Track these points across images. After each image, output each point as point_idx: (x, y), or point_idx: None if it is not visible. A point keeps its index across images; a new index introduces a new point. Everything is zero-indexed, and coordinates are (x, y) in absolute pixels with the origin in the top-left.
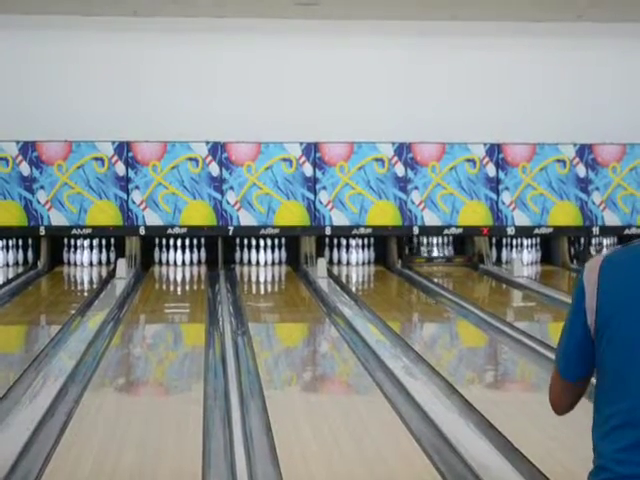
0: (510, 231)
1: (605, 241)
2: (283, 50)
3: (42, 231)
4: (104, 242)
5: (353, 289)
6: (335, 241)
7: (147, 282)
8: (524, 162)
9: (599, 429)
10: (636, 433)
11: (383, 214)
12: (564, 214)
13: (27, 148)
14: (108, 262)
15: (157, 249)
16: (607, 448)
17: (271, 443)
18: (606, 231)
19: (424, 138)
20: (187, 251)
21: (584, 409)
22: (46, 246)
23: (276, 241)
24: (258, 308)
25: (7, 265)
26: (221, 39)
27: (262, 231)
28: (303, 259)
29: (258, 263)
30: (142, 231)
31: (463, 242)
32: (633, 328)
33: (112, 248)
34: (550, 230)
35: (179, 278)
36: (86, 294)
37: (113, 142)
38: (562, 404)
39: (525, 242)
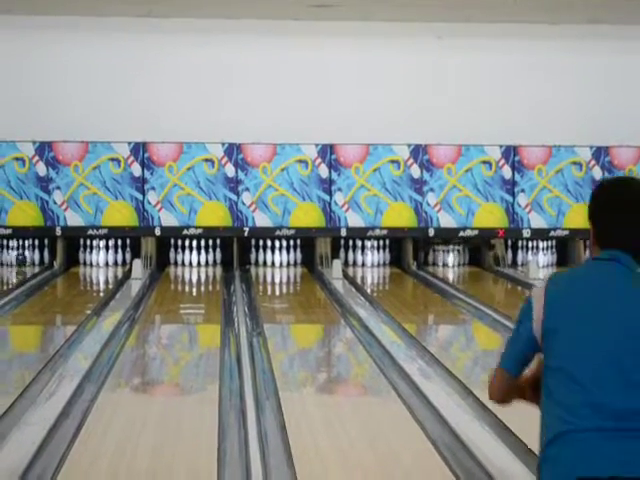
0: (526, 233)
1: None
2: (298, 52)
3: (58, 231)
4: (120, 243)
5: (368, 290)
6: (350, 242)
7: (162, 283)
8: (540, 164)
9: (550, 404)
10: (581, 397)
11: (398, 216)
12: (580, 217)
13: (44, 148)
14: (124, 263)
15: (173, 250)
16: (561, 410)
17: (286, 443)
18: None
19: (440, 140)
20: (202, 252)
21: None
22: (62, 246)
23: (291, 242)
24: (273, 309)
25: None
26: (236, 41)
27: (277, 232)
28: (318, 260)
29: (273, 264)
30: (158, 232)
31: (478, 244)
32: (573, 330)
33: (128, 249)
34: (566, 232)
35: (194, 279)
36: (102, 294)
37: (129, 143)
38: (502, 395)
39: (541, 244)
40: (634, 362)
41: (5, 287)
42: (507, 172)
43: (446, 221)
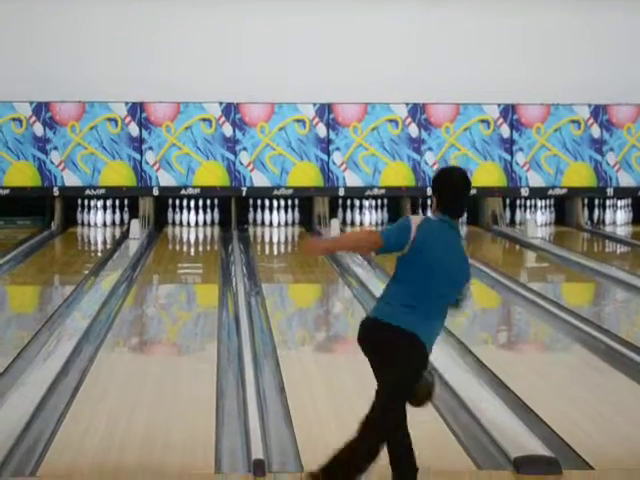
0: (524, 192)
1: (619, 202)
2: (297, 12)
3: (55, 192)
4: (117, 203)
5: None
6: (348, 202)
7: (160, 242)
8: (538, 123)
9: (398, 287)
10: (415, 295)
11: (396, 175)
12: (578, 175)
13: (41, 108)
14: (122, 223)
15: (170, 210)
16: (399, 294)
17: (284, 402)
18: (620, 192)
19: (438, 99)
20: (200, 212)
21: (598, 372)
22: (60, 207)
23: (289, 202)
24: (271, 269)
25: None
26: (235, 1)
27: (275, 192)
28: (316, 220)
29: (271, 224)
30: (155, 192)
31: (476, 202)
32: (422, 256)
33: (125, 209)
34: (564, 191)
35: (192, 239)
36: (100, 254)
37: (126, 103)
38: (361, 249)
39: (539, 203)
40: (443, 281)
41: None
42: (505, 131)
43: None
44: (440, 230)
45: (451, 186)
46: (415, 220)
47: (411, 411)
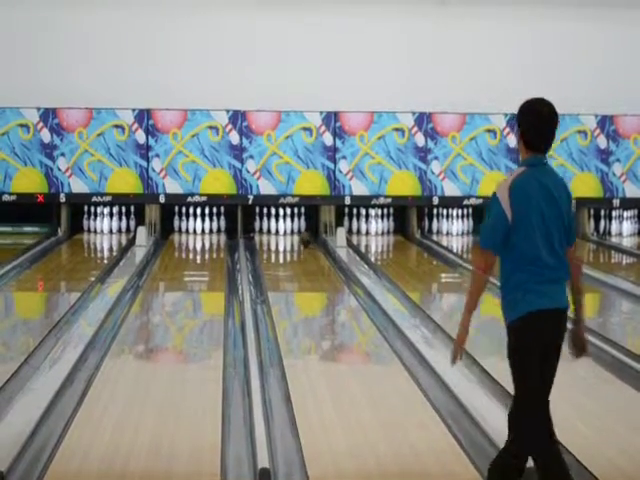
0: None
1: (626, 213)
2: (303, 20)
3: (62, 198)
4: (124, 210)
5: (372, 259)
6: (355, 211)
7: (167, 250)
8: None
9: (515, 268)
10: (537, 269)
11: (403, 184)
12: (585, 185)
13: (48, 115)
14: (128, 230)
15: (177, 217)
16: (523, 278)
17: (290, 411)
18: (627, 203)
19: (444, 108)
20: (207, 219)
21: (603, 382)
22: (66, 213)
23: (295, 210)
24: (277, 277)
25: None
26: (243, 8)
27: (282, 200)
28: (322, 228)
29: (277, 232)
30: (162, 199)
31: (482, 213)
32: (532, 218)
33: (132, 216)
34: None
35: (199, 246)
36: (106, 261)
37: (133, 110)
38: (485, 267)
39: None
40: (557, 235)
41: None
42: (512, 141)
43: (450, 189)
44: (536, 180)
45: (538, 117)
46: (503, 194)
47: (413, 421)
